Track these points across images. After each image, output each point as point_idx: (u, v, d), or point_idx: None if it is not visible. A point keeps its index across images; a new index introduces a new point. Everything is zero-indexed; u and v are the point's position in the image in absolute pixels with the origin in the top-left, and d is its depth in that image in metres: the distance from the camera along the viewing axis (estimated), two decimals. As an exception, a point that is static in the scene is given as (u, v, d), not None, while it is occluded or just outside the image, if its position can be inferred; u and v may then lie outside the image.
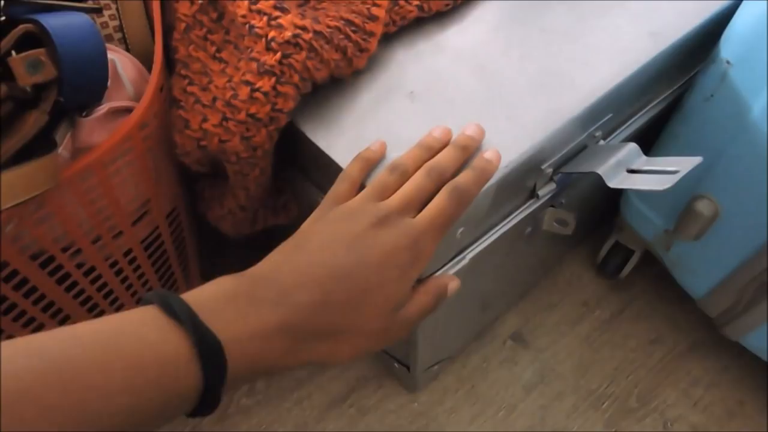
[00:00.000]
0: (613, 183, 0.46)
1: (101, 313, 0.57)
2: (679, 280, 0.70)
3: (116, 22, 0.54)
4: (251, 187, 0.52)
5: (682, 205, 0.62)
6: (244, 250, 0.80)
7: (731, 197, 0.58)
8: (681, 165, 0.43)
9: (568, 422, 0.72)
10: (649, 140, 0.65)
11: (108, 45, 0.52)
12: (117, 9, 0.53)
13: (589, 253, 0.84)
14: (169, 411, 0.28)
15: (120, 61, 0.50)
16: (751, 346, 0.66)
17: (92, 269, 0.52)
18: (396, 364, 0.71)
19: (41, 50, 0.38)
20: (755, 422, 0.71)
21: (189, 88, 0.50)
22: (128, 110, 0.48)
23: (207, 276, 0.78)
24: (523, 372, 0.76)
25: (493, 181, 0.44)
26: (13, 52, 0.38)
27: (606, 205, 0.76)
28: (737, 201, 0.58)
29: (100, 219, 0.49)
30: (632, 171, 0.47)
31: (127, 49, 0.54)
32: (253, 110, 0.46)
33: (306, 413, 0.74)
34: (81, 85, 0.40)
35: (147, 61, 0.52)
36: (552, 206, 0.56)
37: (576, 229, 0.56)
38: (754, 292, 0.61)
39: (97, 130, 0.46)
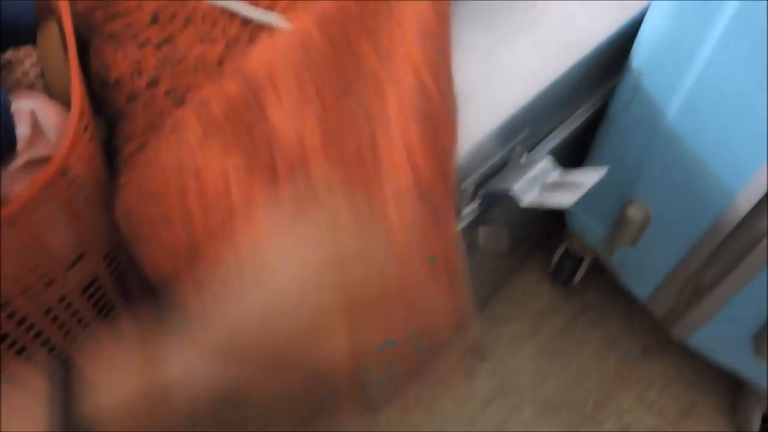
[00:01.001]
0: (525, 202, 0.47)
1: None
2: (625, 285, 0.71)
3: (37, 70, 0.54)
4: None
5: (618, 212, 0.63)
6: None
7: (659, 201, 0.59)
8: (587, 178, 0.44)
9: (527, 433, 0.72)
10: (583, 149, 0.66)
11: (28, 92, 0.52)
12: (38, 56, 0.54)
13: (542, 263, 0.85)
14: None
15: (40, 109, 0.51)
16: (696, 346, 0.67)
17: (25, 318, 0.52)
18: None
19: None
20: (708, 422, 0.71)
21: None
22: (49, 159, 0.48)
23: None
24: (482, 385, 0.76)
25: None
26: None
27: (553, 215, 0.77)
28: (664, 204, 0.59)
29: (28, 268, 0.49)
30: (547, 185, 0.48)
31: (51, 96, 0.55)
32: None
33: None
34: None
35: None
36: (484, 224, 0.57)
37: (525, 240, 0.57)
38: (690, 292, 0.62)
39: (17, 182, 0.47)
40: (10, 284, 0.49)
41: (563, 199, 0.44)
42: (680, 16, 0.49)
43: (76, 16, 0.52)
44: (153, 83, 0.49)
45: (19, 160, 0.46)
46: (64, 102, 0.54)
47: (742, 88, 0.47)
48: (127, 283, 0.64)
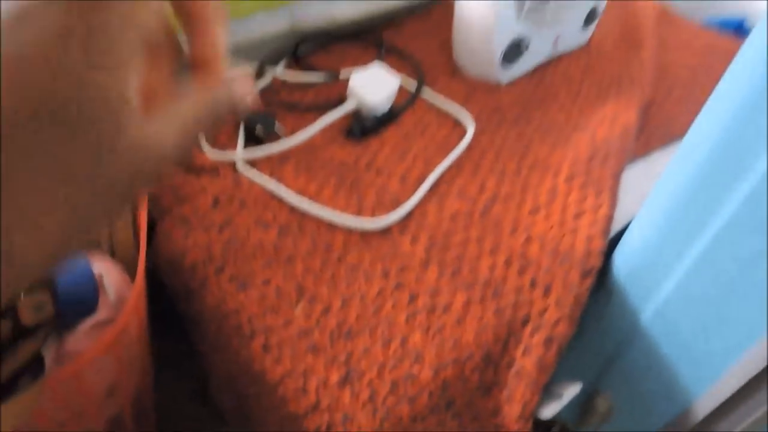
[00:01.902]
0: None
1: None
2: (591, 460, 0.78)
3: (107, 230, 0.63)
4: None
5: (585, 397, 0.72)
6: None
7: (622, 397, 0.68)
8: (565, 391, 0.53)
9: None
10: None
11: (96, 255, 0.60)
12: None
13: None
14: None
15: (106, 271, 0.59)
16: None
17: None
18: None
19: (46, 294, 0.46)
20: None
21: None
22: (110, 320, 0.56)
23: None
24: None
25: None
26: (22, 294, 0.46)
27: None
28: (627, 400, 0.68)
29: (68, 411, 0.55)
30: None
31: (112, 253, 0.63)
32: None
33: None
34: (73, 318, 0.48)
35: (130, 268, 0.61)
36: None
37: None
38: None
39: (81, 340, 0.54)
40: (48, 420, 0.54)
41: (543, 411, 0.52)
42: (664, 238, 0.55)
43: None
44: (219, 270, 0.57)
45: (87, 323, 0.54)
46: (124, 260, 0.62)
47: (717, 305, 0.52)
48: (147, 423, 0.70)
